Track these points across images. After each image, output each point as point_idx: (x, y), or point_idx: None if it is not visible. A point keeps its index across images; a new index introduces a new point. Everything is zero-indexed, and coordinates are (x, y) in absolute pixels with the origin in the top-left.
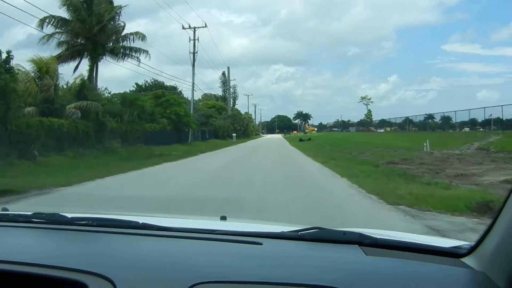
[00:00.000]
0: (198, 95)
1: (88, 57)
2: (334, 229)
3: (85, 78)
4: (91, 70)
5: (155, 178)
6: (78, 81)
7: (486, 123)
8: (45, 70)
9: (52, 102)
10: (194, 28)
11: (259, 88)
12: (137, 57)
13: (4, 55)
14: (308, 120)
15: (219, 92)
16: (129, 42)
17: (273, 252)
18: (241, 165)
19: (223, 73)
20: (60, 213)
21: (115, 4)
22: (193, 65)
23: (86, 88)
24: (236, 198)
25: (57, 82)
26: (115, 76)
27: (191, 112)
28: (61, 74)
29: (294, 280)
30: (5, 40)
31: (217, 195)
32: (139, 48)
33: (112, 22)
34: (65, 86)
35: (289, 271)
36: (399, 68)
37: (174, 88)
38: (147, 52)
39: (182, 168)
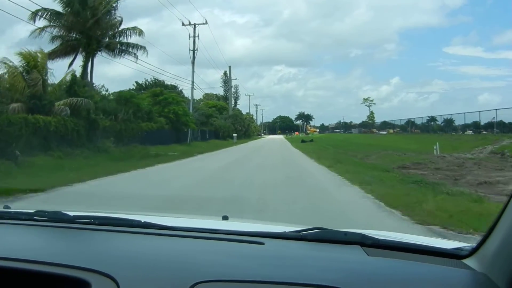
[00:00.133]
0: (199, 95)
1: (83, 52)
2: (336, 229)
3: (79, 74)
4: (84, 66)
5: (144, 183)
6: (68, 76)
7: (489, 126)
8: (33, 64)
9: (40, 98)
10: (194, 24)
11: (261, 89)
12: (135, 54)
13: None
14: (310, 121)
15: (220, 92)
16: (126, 37)
17: (275, 251)
18: (239, 169)
19: (225, 73)
20: (62, 211)
21: None
22: (193, 63)
23: (77, 84)
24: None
25: (46, 77)
26: (117, 75)
27: (191, 111)
28: (50, 69)
29: (296, 279)
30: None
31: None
32: (137, 44)
33: (108, 17)
34: (56, 82)
35: (290, 271)
36: (401, 70)
37: (174, 87)
38: (144, 48)
39: (175, 171)
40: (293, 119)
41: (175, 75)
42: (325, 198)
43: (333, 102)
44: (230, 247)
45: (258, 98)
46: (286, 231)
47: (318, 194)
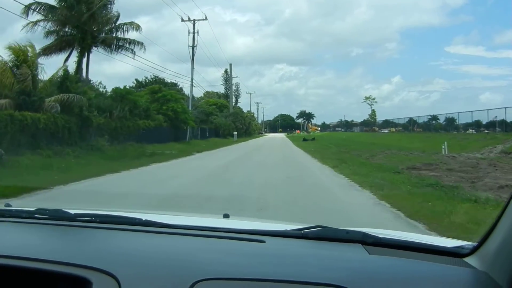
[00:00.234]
0: (200, 93)
1: (79, 48)
2: (337, 228)
3: (72, 69)
4: (79, 61)
5: (135, 184)
6: (60, 72)
7: (490, 125)
8: (22, 58)
9: (29, 94)
10: (194, 20)
11: (262, 87)
12: (132, 49)
13: None
14: (311, 120)
15: (221, 90)
16: (123, 33)
17: (276, 250)
18: (237, 169)
19: (226, 71)
20: (64, 209)
21: None
22: (192, 59)
23: (69, 79)
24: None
25: (36, 72)
26: (117, 72)
27: (190, 108)
28: (41, 64)
29: (297, 278)
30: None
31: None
32: (134, 40)
33: (104, 11)
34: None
35: (291, 269)
36: (402, 69)
37: (174, 85)
38: (142, 44)
39: (170, 171)
40: (294, 117)
41: (175, 72)
42: (333, 205)
43: (334, 100)
44: (231, 245)
45: (259, 96)
46: (287, 229)
47: (326, 201)
